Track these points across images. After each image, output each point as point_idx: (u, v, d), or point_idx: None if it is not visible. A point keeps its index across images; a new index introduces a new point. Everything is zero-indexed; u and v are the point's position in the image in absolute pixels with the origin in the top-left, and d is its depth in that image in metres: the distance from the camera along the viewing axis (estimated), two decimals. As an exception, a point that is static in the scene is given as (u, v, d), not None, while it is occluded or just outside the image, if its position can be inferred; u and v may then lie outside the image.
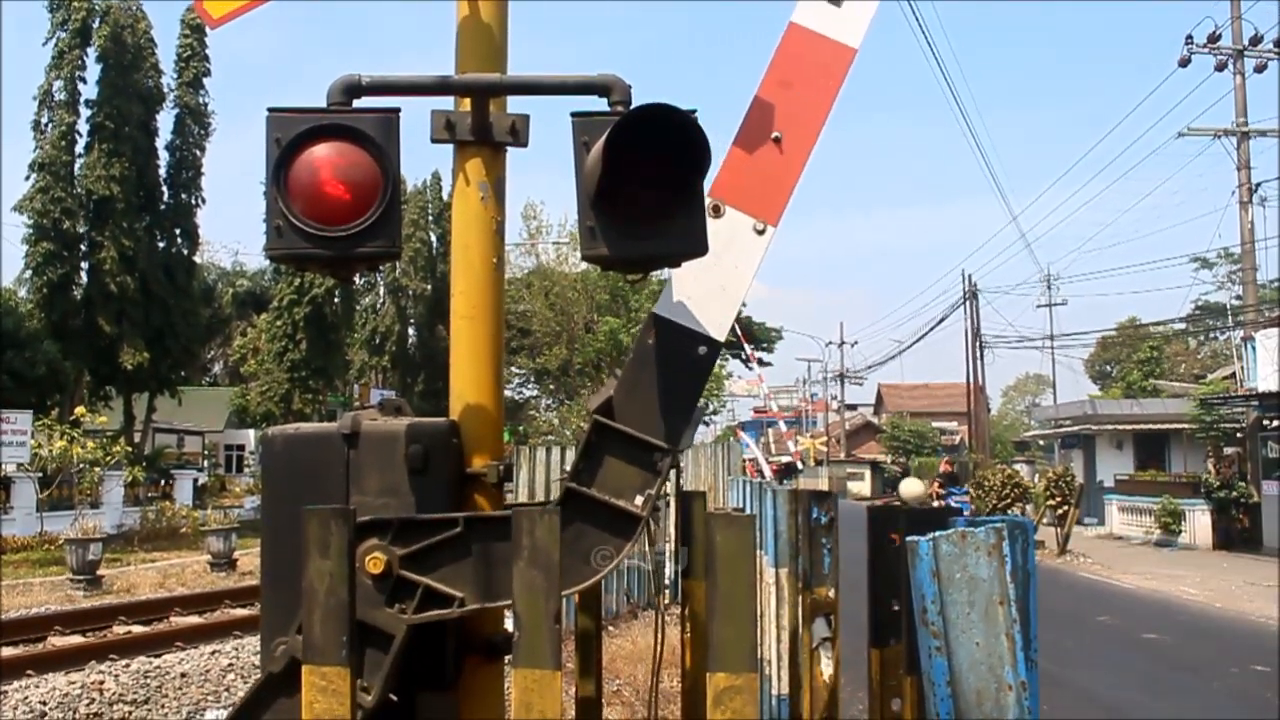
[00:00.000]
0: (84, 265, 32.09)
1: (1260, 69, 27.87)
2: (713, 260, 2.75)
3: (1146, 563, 22.67)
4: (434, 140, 2.93)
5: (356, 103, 2.72)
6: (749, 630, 2.30)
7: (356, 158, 2.64)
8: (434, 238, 52.23)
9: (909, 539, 2.35)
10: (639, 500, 2.69)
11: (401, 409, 2.96)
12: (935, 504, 18.24)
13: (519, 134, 2.95)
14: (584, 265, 37.85)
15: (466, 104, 2.91)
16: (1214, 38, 27.76)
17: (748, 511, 6.44)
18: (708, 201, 2.77)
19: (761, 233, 2.84)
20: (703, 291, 2.83)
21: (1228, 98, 28.47)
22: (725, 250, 2.82)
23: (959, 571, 2.23)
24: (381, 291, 53.50)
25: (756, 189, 2.86)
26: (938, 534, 2.27)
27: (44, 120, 31.28)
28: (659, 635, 3.50)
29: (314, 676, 2.41)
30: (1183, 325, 47.73)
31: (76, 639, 11.74)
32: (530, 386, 49.54)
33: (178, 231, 35.29)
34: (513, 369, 44.29)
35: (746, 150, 2.87)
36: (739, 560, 2.31)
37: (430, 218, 51.83)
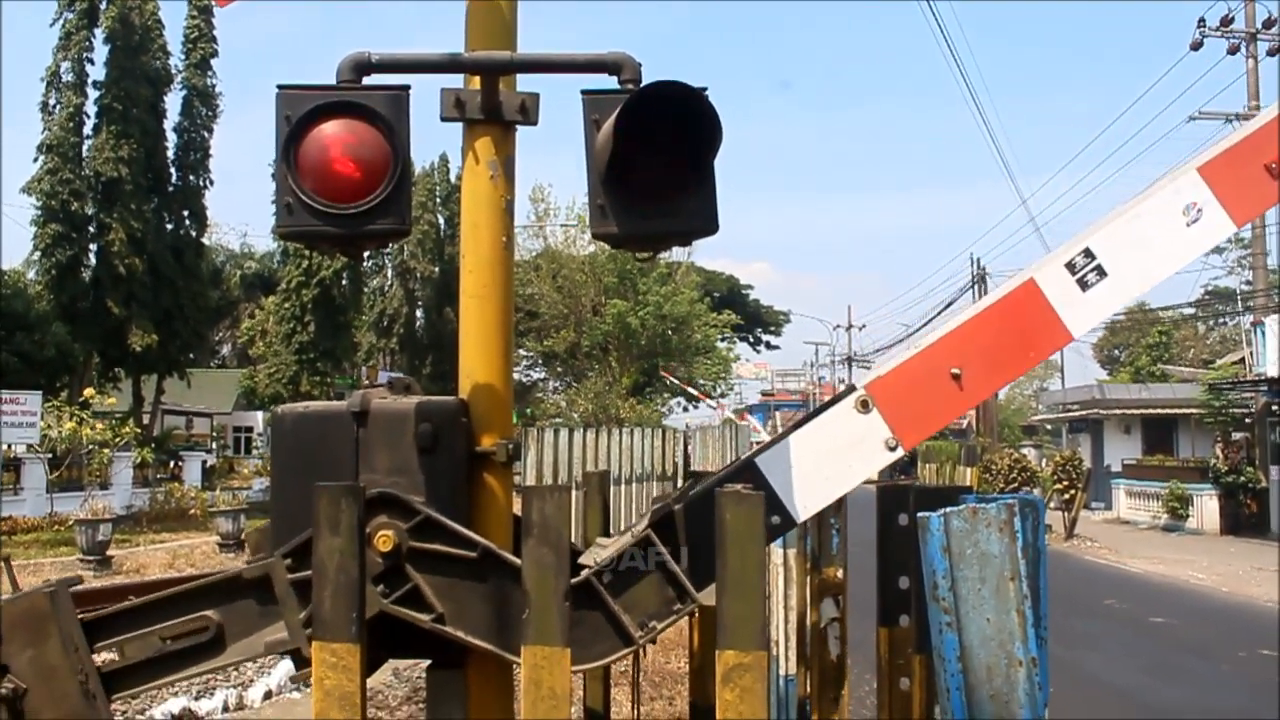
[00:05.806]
0: (92, 247, 32.04)
1: (1273, 52, 27.58)
2: (834, 449, 2.68)
3: (1154, 547, 22.65)
4: (444, 118, 2.90)
5: (366, 80, 2.71)
6: (759, 608, 2.30)
7: (366, 135, 2.63)
8: (442, 220, 52.14)
9: (920, 515, 2.35)
10: (644, 627, 2.59)
11: (411, 388, 2.95)
12: None
13: (529, 112, 2.93)
14: (592, 248, 37.84)
15: (476, 82, 2.88)
16: (1226, 21, 27.50)
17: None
18: (859, 393, 2.70)
19: (892, 449, 2.73)
20: (807, 469, 2.71)
21: (1240, 81, 28.28)
22: (851, 447, 2.72)
23: (970, 547, 2.23)
24: (389, 274, 53.54)
25: (911, 408, 2.74)
26: (949, 509, 2.27)
27: (52, 102, 31.19)
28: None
29: (324, 653, 2.42)
30: (1192, 310, 47.51)
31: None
32: (538, 369, 49.61)
33: (186, 213, 35.27)
34: (520, 351, 44.31)
35: (923, 369, 2.75)
36: (749, 537, 2.30)
37: (438, 200, 51.73)
